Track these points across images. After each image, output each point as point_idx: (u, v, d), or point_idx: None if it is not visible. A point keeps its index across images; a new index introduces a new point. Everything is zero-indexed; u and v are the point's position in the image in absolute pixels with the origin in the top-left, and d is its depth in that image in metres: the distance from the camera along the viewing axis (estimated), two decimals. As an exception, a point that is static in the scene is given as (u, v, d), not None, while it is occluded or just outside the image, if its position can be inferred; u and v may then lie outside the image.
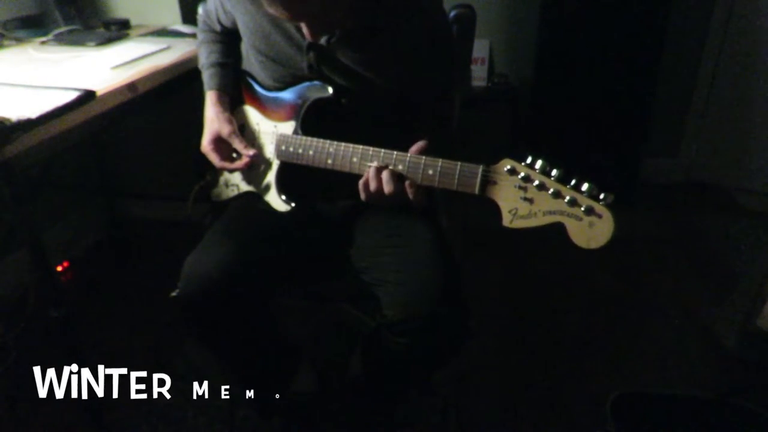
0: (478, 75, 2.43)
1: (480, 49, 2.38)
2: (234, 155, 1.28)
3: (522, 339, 1.88)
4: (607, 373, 1.72)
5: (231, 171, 1.28)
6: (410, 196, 1.02)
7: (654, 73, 2.40)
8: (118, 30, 2.05)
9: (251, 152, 1.23)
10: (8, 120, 1.07)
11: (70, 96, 1.23)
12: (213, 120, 1.26)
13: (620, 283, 2.14)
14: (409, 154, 1.01)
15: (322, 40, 1.13)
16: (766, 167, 2.74)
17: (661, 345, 1.85)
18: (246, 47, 1.29)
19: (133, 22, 2.19)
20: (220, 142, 1.26)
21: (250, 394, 1.45)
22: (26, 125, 1.09)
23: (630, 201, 2.60)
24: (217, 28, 1.35)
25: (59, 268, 2.18)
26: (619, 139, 2.52)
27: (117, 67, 1.54)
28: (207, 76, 1.31)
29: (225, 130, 1.25)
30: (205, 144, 1.27)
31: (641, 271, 2.22)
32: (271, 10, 1.00)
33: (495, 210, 0.93)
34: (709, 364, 1.78)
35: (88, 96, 1.26)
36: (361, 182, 1.06)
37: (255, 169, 1.28)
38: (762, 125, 2.69)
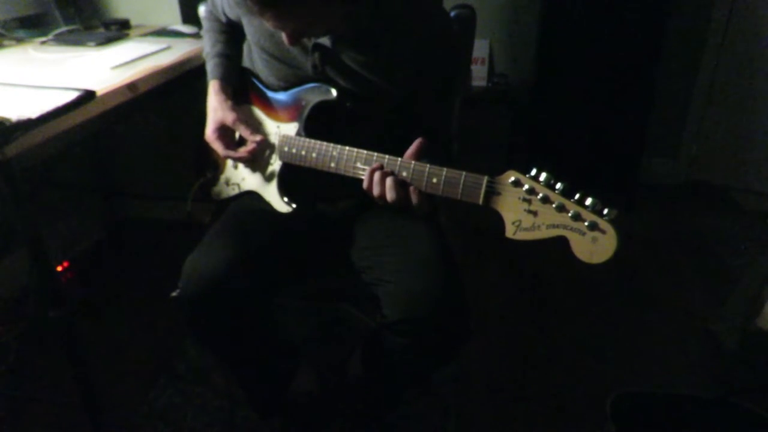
0: (478, 75, 2.43)
1: (480, 49, 2.38)
2: (238, 143, 1.28)
3: (522, 339, 1.88)
4: (607, 373, 1.72)
5: (236, 159, 1.27)
6: (414, 202, 1.02)
7: (654, 74, 2.40)
8: (118, 30, 2.05)
9: (258, 138, 1.22)
10: (8, 120, 1.07)
11: (70, 96, 1.23)
12: (216, 109, 1.25)
13: (620, 283, 2.14)
14: (413, 162, 1.01)
15: (327, 42, 1.13)
16: (766, 167, 2.74)
17: (661, 345, 1.85)
18: (250, 44, 1.29)
19: (133, 22, 2.19)
20: (224, 131, 1.25)
21: (250, 394, 1.46)
22: (26, 125, 1.09)
23: (630, 202, 2.60)
24: (223, 19, 1.35)
25: (59, 268, 2.18)
26: (619, 139, 2.52)
27: (117, 67, 1.54)
28: (211, 66, 1.31)
29: (229, 117, 1.23)
30: (209, 133, 1.25)
31: (641, 272, 2.22)
32: (265, 22, 1.01)
33: (496, 213, 0.94)
34: (709, 364, 1.78)
35: (88, 96, 1.26)
36: (365, 186, 1.06)
37: (256, 169, 1.28)
38: (762, 125, 2.69)
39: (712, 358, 1.79)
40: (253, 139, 1.22)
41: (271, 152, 1.25)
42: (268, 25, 1.03)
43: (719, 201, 2.75)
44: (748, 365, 1.72)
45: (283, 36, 1.06)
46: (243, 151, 1.23)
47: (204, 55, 1.34)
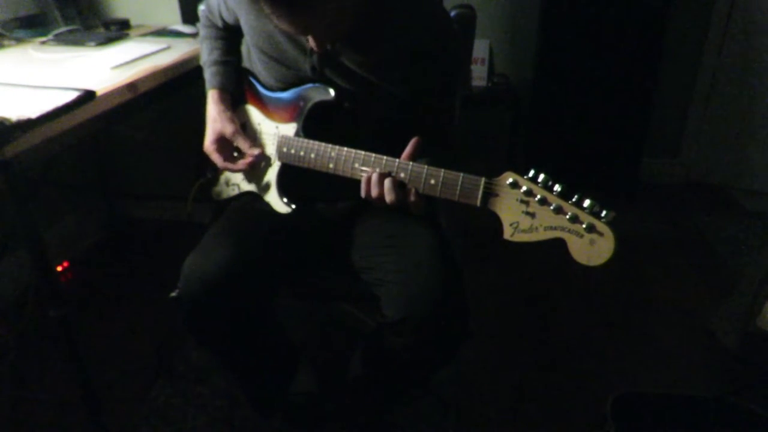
0: (478, 75, 2.43)
1: (480, 49, 2.38)
2: (236, 154, 1.28)
3: (522, 339, 1.88)
4: (607, 373, 1.72)
5: (234, 171, 1.28)
6: (411, 203, 1.02)
7: (654, 73, 2.40)
8: (118, 30, 2.06)
9: (256, 151, 1.23)
10: (8, 120, 1.07)
11: (70, 96, 1.23)
12: (215, 119, 1.26)
13: (620, 283, 2.14)
14: (411, 163, 1.01)
15: (325, 43, 1.13)
16: (766, 167, 2.74)
17: (662, 345, 1.85)
18: (248, 46, 1.29)
19: (133, 22, 2.19)
20: (223, 142, 1.26)
21: (250, 394, 1.46)
22: (26, 125, 1.09)
23: (630, 201, 2.60)
24: (219, 24, 1.35)
25: (59, 268, 2.18)
26: (619, 139, 2.52)
27: (117, 67, 1.54)
28: (209, 75, 1.31)
29: (228, 129, 1.24)
30: (208, 144, 1.26)
31: (641, 271, 2.22)
32: (282, 26, 1.01)
33: (495, 216, 0.93)
34: (709, 364, 1.78)
35: (88, 96, 1.26)
36: (362, 189, 1.06)
37: (256, 170, 1.28)
38: (762, 125, 2.69)
39: (712, 358, 1.79)
40: (250, 152, 1.23)
41: (271, 153, 1.25)
42: (288, 30, 1.02)
43: (719, 201, 2.75)
44: (748, 365, 1.72)
45: (311, 41, 1.05)
46: (240, 163, 1.24)
47: (202, 63, 1.34)
